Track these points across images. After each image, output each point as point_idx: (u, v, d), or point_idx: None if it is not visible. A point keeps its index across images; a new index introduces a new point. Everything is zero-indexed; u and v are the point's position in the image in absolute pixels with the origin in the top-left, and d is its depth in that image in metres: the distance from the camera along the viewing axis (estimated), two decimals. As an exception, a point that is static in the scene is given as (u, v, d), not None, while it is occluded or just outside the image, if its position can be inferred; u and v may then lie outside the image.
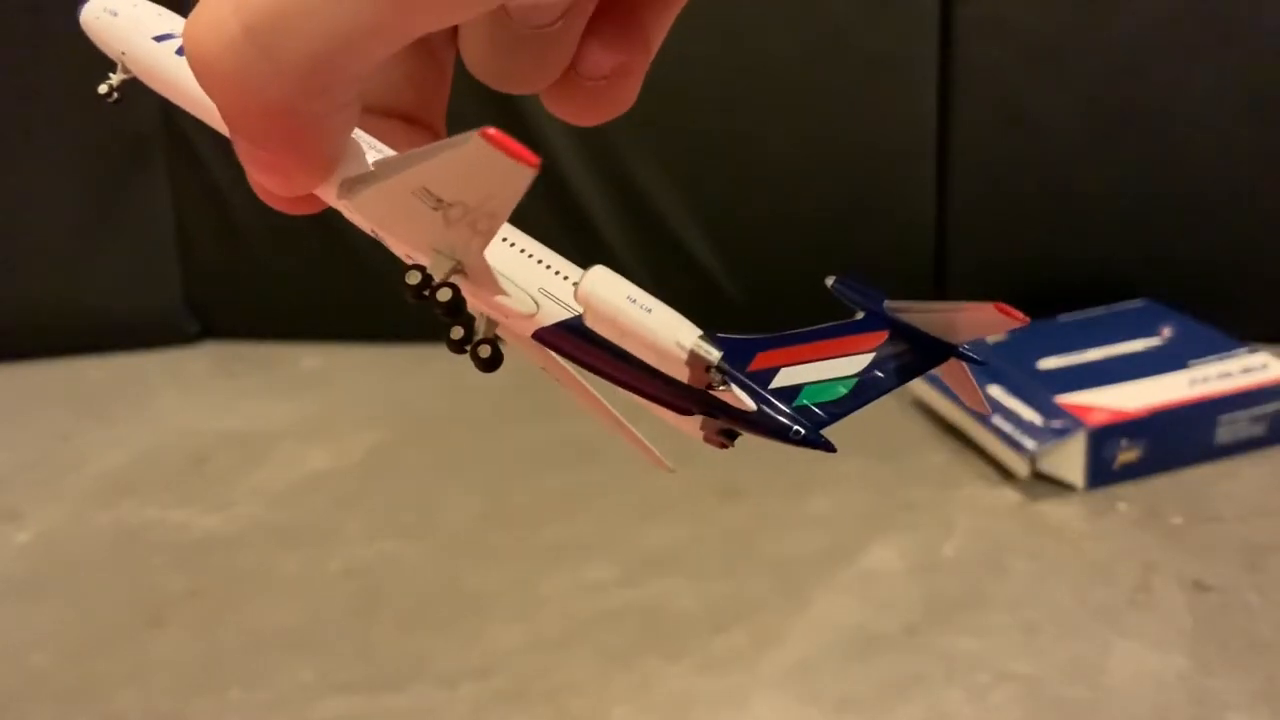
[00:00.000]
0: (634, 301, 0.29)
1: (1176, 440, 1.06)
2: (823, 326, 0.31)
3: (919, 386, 1.18)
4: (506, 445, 1.19)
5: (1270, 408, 1.08)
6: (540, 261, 0.32)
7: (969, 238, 1.34)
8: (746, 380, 0.31)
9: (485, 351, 0.32)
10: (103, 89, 0.36)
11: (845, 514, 1.03)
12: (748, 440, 0.31)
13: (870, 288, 0.31)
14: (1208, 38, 1.24)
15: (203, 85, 0.25)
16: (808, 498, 1.06)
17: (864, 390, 0.31)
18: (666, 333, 0.29)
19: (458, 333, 0.31)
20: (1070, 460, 1.04)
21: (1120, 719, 0.80)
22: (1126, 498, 1.03)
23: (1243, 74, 1.24)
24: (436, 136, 0.33)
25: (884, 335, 0.31)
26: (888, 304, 0.31)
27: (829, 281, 0.32)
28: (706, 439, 0.31)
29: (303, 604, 0.97)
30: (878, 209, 1.35)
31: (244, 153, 0.27)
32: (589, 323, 0.30)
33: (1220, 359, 1.12)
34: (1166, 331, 1.19)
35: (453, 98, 0.32)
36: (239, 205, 1.39)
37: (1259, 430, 1.09)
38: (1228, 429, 1.08)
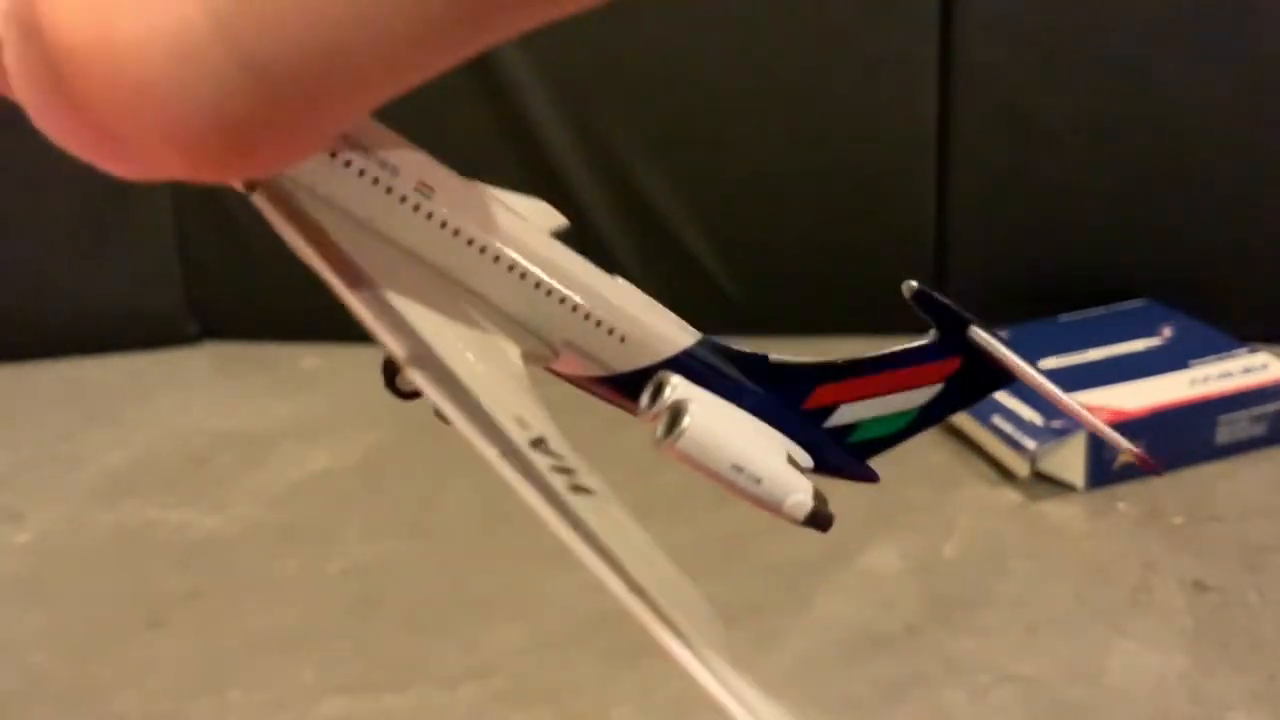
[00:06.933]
0: (740, 471, 0.27)
1: (1177, 440, 1.06)
2: (893, 352, 0.28)
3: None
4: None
5: (1270, 408, 1.08)
6: (589, 318, 0.27)
7: (969, 237, 1.34)
8: (816, 441, 0.29)
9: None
10: None
11: (845, 514, 1.03)
12: None
13: (951, 306, 0.28)
14: (1208, 38, 1.24)
15: (86, 88, 0.16)
16: (808, 498, 1.06)
17: (922, 422, 0.29)
18: (775, 500, 0.28)
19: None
20: (1070, 460, 1.04)
21: (1120, 719, 0.80)
22: (1127, 498, 1.03)
23: (1243, 74, 1.24)
24: None
25: (957, 363, 0.28)
26: (974, 331, 0.27)
27: (906, 287, 0.28)
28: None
29: (303, 604, 0.97)
30: (878, 209, 1.34)
31: (100, 144, 0.17)
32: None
33: (1220, 359, 1.12)
34: (1167, 331, 1.19)
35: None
36: (239, 205, 1.39)
37: (1259, 430, 1.08)
38: (1228, 429, 1.07)
